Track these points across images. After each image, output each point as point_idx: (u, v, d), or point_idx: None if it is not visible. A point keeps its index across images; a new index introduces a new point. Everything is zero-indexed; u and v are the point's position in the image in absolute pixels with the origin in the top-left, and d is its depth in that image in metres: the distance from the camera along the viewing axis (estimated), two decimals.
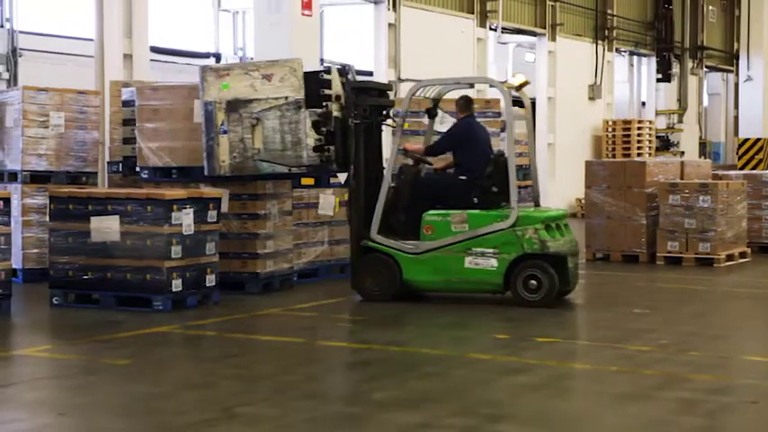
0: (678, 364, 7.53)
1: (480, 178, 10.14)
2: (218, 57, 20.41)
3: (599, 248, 14.19)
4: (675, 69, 27.87)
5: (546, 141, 22.51)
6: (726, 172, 17.34)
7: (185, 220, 9.63)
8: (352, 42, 21.86)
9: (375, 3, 17.94)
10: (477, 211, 10.05)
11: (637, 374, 7.21)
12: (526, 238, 9.81)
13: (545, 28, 22.69)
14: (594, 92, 24.16)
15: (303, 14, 13.62)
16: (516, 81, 10.73)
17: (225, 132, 10.22)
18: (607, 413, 6.21)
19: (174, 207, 9.52)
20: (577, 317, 10.01)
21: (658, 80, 27.61)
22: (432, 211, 10.09)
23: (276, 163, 10.29)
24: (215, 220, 10.00)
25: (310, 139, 10.23)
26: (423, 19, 18.76)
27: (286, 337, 8.66)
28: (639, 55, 27.50)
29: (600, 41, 24.57)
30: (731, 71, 30.26)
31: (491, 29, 20.89)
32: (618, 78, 26.23)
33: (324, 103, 10.23)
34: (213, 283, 9.97)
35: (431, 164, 10.84)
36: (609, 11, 24.90)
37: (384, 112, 10.66)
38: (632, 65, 27.94)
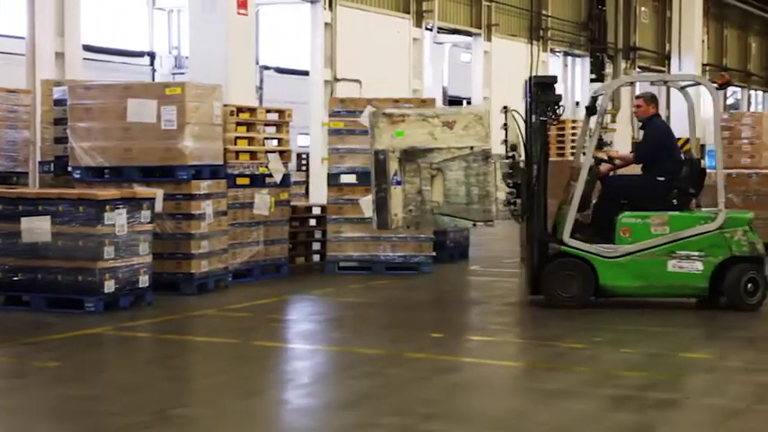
0: (611, 360, 7.61)
1: (678, 180, 9.90)
2: (152, 55, 20.24)
3: None
4: (609, 69, 28.19)
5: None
6: None
7: (118, 220, 9.52)
8: (289, 42, 21.81)
9: (311, 2, 17.90)
10: (678, 213, 9.79)
11: (569, 372, 7.27)
12: (735, 240, 9.65)
13: (480, 28, 22.82)
14: None
15: (238, 14, 13.54)
16: (719, 80, 10.69)
17: (398, 183, 9.58)
18: (539, 410, 6.25)
19: (107, 207, 9.40)
20: (513, 313, 10.07)
21: (592, 80, 27.90)
22: (628, 213, 9.72)
23: (460, 217, 9.73)
24: (148, 220, 9.89)
25: (501, 192, 9.65)
26: (359, 19, 18.76)
27: (221, 337, 8.60)
28: (573, 55, 27.79)
29: (535, 42, 24.78)
30: (663, 71, 30.67)
31: (427, 29, 20.95)
32: None
33: (510, 153, 9.75)
34: (147, 284, 9.86)
35: (617, 166, 10.39)
36: (543, 11, 25.12)
37: (554, 108, 9.89)
38: (566, 65, 28.21)
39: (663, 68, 30.66)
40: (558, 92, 9.96)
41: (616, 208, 9.83)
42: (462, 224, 9.89)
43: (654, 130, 10.21)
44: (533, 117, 9.74)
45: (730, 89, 37.82)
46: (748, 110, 37.45)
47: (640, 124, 10.45)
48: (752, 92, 39.68)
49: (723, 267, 9.65)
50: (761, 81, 39.90)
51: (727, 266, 9.66)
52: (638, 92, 10.72)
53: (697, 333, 8.96)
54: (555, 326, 9.11)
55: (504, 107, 9.89)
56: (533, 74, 24.24)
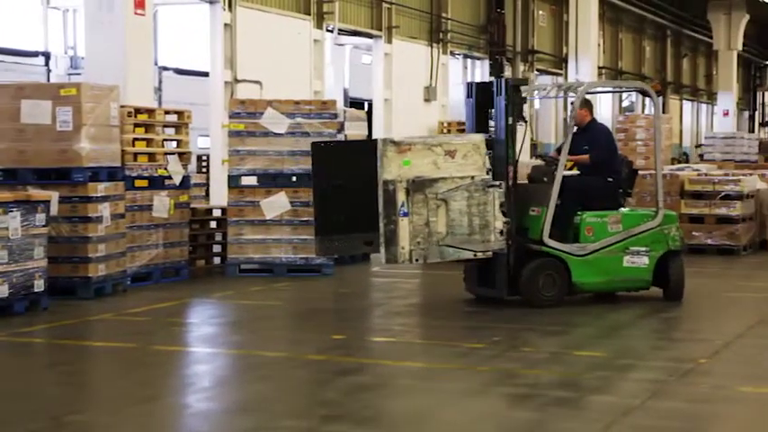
0: (511, 359, 7.70)
1: (621, 180, 10.50)
2: (47, 55, 19.80)
3: None
4: (508, 72, 28.50)
5: None
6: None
7: (11, 223, 9.31)
8: (188, 43, 21.56)
9: (210, 3, 17.71)
10: (629, 212, 10.47)
11: (470, 371, 7.34)
12: (671, 235, 10.38)
13: (381, 30, 22.88)
14: (430, 94, 24.50)
15: (136, 14, 13.34)
16: (655, 87, 10.96)
17: (405, 215, 9.36)
18: (441, 410, 6.29)
19: (0, 210, 9.18)
20: (414, 314, 10.12)
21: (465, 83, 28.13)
22: (590, 213, 10.13)
23: (462, 248, 9.58)
24: (44, 223, 9.69)
25: (498, 221, 9.62)
26: (259, 20, 18.64)
27: (119, 342, 8.46)
28: (473, 58, 28.03)
29: (435, 44, 24.93)
30: (561, 74, 31.18)
31: (328, 30, 20.92)
32: (453, 81, 26.67)
33: (499, 183, 9.70)
34: (42, 289, 9.66)
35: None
36: (443, 14, 25.29)
37: (521, 110, 10.16)
38: (466, 67, 28.44)
39: (560, 71, 31.15)
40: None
41: (575, 208, 10.14)
42: (464, 255, 9.67)
43: (603, 134, 10.69)
44: (509, 119, 9.86)
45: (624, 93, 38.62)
46: (642, 112, 38.25)
47: (575, 129, 10.68)
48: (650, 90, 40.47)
49: (663, 261, 10.32)
50: (654, 84, 40.85)
51: (666, 260, 10.34)
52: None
53: (592, 332, 9.12)
54: (456, 326, 9.18)
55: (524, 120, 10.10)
56: (434, 76, 24.43)
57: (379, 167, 9.34)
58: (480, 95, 10.31)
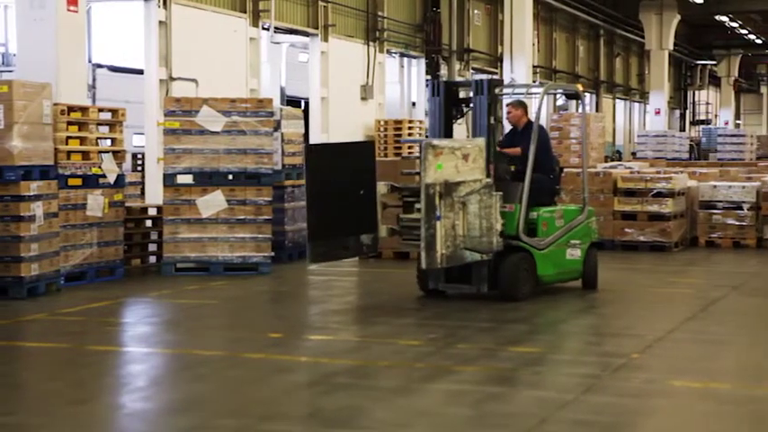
0: (446, 356, 7.76)
1: (557, 177, 10.98)
2: None
3: None
4: (444, 71, 28.64)
5: (320, 141, 22.72)
6: None
7: None
8: (123, 40, 21.36)
9: (145, 0, 17.56)
10: (566, 207, 11.16)
11: (406, 368, 7.38)
12: (593, 229, 11.19)
13: (317, 29, 22.85)
14: (367, 92, 24.52)
15: (69, 10, 13.18)
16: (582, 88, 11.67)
17: (439, 219, 9.34)
18: (377, 407, 6.33)
19: None
20: (351, 312, 10.14)
21: (428, 81, 28.27)
22: (545, 209, 10.54)
23: (475, 250, 9.69)
24: None
25: (498, 223, 9.84)
26: (195, 17, 18.51)
27: (52, 342, 8.37)
28: (409, 56, 28.10)
29: (371, 43, 24.96)
30: (496, 73, 31.37)
31: (264, 28, 20.84)
32: (389, 79, 26.71)
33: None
34: None
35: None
36: (380, 13, 25.33)
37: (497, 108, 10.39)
38: (403, 66, 28.52)
39: (495, 70, 31.36)
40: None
41: (531, 204, 10.37)
42: (476, 257, 9.76)
43: (543, 135, 10.95)
44: (491, 118, 10.15)
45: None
46: (577, 111, 38.66)
47: (511, 128, 10.98)
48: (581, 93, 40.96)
49: (587, 253, 10.96)
50: (588, 83, 41.26)
51: (588, 252, 10.98)
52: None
53: (527, 328, 9.21)
54: (392, 323, 9.22)
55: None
56: (371, 74, 24.49)
57: (422, 171, 9.35)
58: (447, 95, 10.57)
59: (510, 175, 10.41)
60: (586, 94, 40.15)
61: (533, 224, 10.44)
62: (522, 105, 10.98)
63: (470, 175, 9.69)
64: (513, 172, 10.47)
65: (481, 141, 9.96)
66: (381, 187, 10.18)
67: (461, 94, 10.97)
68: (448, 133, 10.63)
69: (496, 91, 10.38)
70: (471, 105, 10.45)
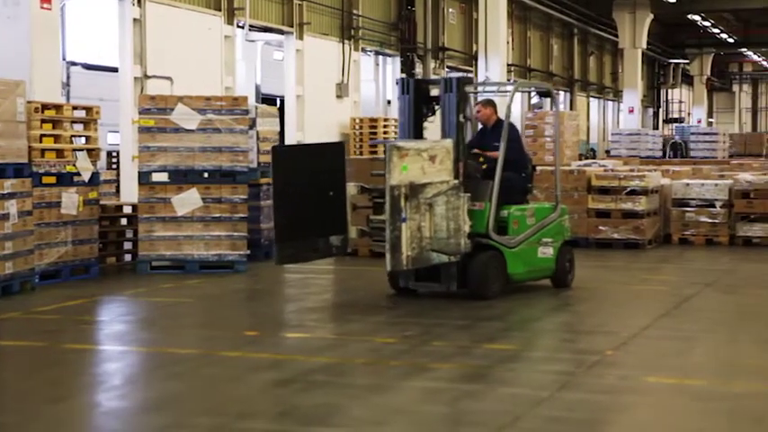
0: (422, 354, 7.79)
1: (529, 175, 10.93)
2: None
3: None
4: (419, 69, 28.67)
5: (295, 139, 22.70)
6: None
7: None
8: (97, 38, 21.27)
9: None
10: (539, 205, 11.09)
11: (382, 366, 7.40)
12: (566, 227, 11.10)
13: (293, 27, 22.82)
14: (342, 90, 24.53)
15: (42, 8, 13.12)
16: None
17: (404, 221, 9.30)
18: (353, 405, 6.35)
19: None
20: (327, 310, 10.15)
21: (397, 80, 28.19)
22: (516, 207, 10.49)
23: (442, 252, 9.65)
24: None
25: (466, 225, 9.78)
26: (169, 15, 18.46)
27: (27, 341, 8.34)
28: (385, 55, 28.13)
29: (346, 41, 24.96)
30: (471, 71, 31.45)
31: (239, 26, 20.80)
32: (364, 77, 26.73)
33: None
34: None
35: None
36: (354, 11, 25.33)
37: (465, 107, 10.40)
38: (378, 64, 28.54)
39: (470, 68, 31.44)
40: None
41: (500, 202, 10.32)
42: (443, 259, 9.73)
43: (514, 133, 10.81)
44: (460, 116, 10.13)
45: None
46: (551, 109, 38.80)
47: (482, 127, 10.92)
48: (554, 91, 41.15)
49: (560, 251, 10.93)
50: (562, 81, 41.42)
51: (560, 250, 10.95)
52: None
53: (502, 325, 9.25)
54: (368, 321, 9.24)
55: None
56: (346, 72, 24.49)
57: (386, 173, 9.31)
58: (416, 92, 10.53)
59: (480, 174, 10.38)
60: (560, 92, 40.34)
61: (504, 222, 10.40)
62: (491, 104, 10.94)
63: (437, 176, 9.64)
64: (484, 170, 10.42)
65: (449, 143, 9.91)
66: (351, 188, 10.14)
67: (432, 92, 10.87)
68: (418, 131, 10.58)
69: (466, 89, 10.35)
70: (440, 103, 10.39)
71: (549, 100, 40.22)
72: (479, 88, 11.78)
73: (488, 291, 10.13)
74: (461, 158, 10.09)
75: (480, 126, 11.01)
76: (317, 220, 9.89)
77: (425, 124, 10.79)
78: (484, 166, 10.51)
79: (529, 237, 10.57)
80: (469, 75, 30.87)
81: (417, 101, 10.57)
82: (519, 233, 10.47)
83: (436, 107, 10.62)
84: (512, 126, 10.87)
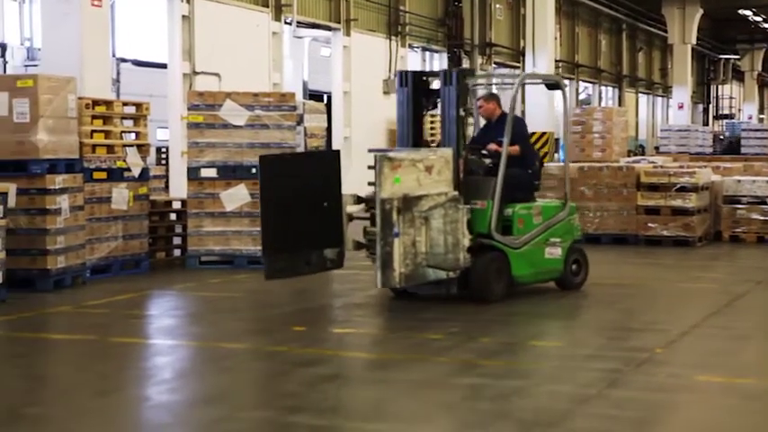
0: (468, 350, 7.77)
1: (536, 172, 10.42)
2: (3, 47, 19.61)
3: None
4: (466, 65, 28.62)
5: (342, 135, 22.75)
6: None
7: None
8: (146, 34, 21.45)
9: None
10: (546, 203, 10.49)
11: (429, 362, 7.40)
12: (576, 226, 10.60)
13: (340, 23, 22.87)
14: (389, 86, 24.52)
15: (93, 5, 13.26)
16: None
17: (397, 235, 8.87)
18: (400, 400, 6.35)
19: None
20: (373, 305, 10.16)
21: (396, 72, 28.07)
22: (521, 205, 10.01)
23: (439, 268, 9.21)
24: (1, 215, 9.63)
25: (466, 239, 9.27)
26: (217, 12, 18.58)
27: (78, 334, 8.43)
28: (432, 51, 28.10)
29: (393, 37, 24.97)
30: (518, 67, 31.33)
31: (286, 23, 20.89)
32: None
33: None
34: (0, 281, 9.59)
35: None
36: (402, 7, 25.32)
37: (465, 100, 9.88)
38: (425, 60, 28.52)
39: (518, 64, 31.31)
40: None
41: (505, 200, 9.88)
42: (440, 275, 9.29)
43: (520, 128, 10.37)
44: (460, 110, 9.67)
45: (582, 84, 38.90)
46: (599, 105, 38.56)
47: (485, 123, 10.57)
48: (602, 87, 40.88)
49: (568, 251, 10.44)
50: (610, 77, 41.13)
51: (571, 250, 10.48)
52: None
53: (549, 322, 9.21)
54: (415, 318, 9.23)
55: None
56: (393, 69, 24.45)
57: (377, 186, 8.93)
58: (416, 85, 10.05)
59: (483, 170, 9.89)
60: (598, 85, 40.04)
61: (509, 222, 9.90)
62: (494, 98, 10.48)
63: (434, 188, 9.19)
64: (487, 167, 9.91)
65: (447, 152, 9.43)
66: (347, 198, 9.67)
67: (432, 85, 10.25)
68: (417, 126, 10.11)
69: (467, 81, 9.88)
70: (440, 96, 9.88)
71: (596, 96, 40.01)
72: (482, 80, 11.29)
73: (491, 294, 9.62)
74: (461, 155, 9.64)
75: (484, 122, 10.59)
76: (310, 232, 9.41)
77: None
78: (487, 162, 9.98)
79: (535, 236, 10.07)
80: (517, 71, 30.76)
81: (416, 94, 10.07)
82: (524, 233, 9.97)
83: (437, 100, 10.08)
84: (518, 119, 10.44)
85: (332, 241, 9.55)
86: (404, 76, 10.23)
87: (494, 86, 11.35)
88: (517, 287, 10.10)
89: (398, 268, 8.94)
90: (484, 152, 10.04)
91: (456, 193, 9.36)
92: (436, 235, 9.13)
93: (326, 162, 9.85)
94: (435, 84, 10.22)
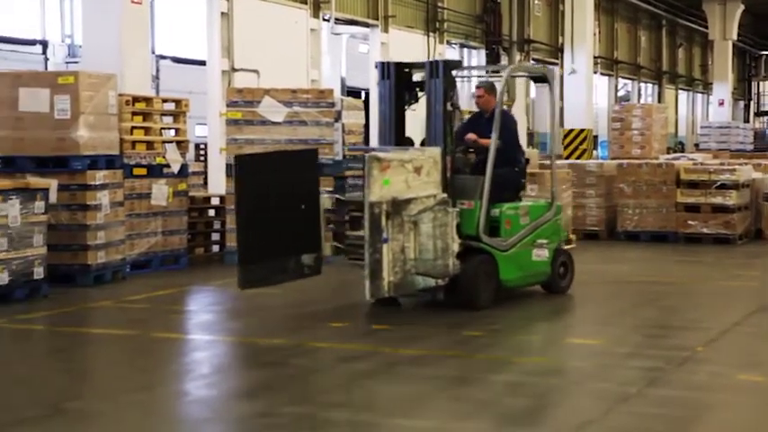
0: (507, 347, 7.75)
1: (522, 170, 9.95)
2: (44, 44, 19.78)
3: None
4: (504, 62, 28.52)
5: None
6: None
7: (11, 211, 9.34)
8: (185, 31, 21.56)
9: None
10: (533, 203, 9.98)
11: (468, 358, 7.38)
12: (562, 227, 10.20)
13: (378, 19, 22.87)
14: None
15: (133, 2, 13.35)
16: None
17: (386, 241, 8.36)
18: (439, 397, 6.34)
19: None
20: (412, 302, 10.15)
21: (377, 63, 27.90)
22: (508, 205, 9.52)
23: (428, 275, 8.72)
24: (43, 211, 9.72)
25: (455, 243, 8.78)
26: (256, 9, 18.64)
27: (118, 329, 8.49)
28: (470, 47, 28.03)
29: (431, 33, 24.94)
30: (557, 64, 31.17)
31: (324, 20, 20.91)
32: None
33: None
34: (42, 276, 9.69)
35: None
36: (440, 4, 25.28)
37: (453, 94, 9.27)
38: (463, 57, 28.45)
39: (556, 61, 31.16)
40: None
41: (492, 200, 9.38)
42: (429, 283, 8.81)
43: (510, 123, 9.91)
44: (447, 104, 9.12)
45: (621, 81, 38.65)
46: (638, 102, 38.29)
47: (475, 113, 10.21)
48: (642, 84, 40.62)
49: (555, 253, 9.99)
50: (650, 74, 40.85)
51: (556, 252, 10.02)
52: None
53: (589, 320, 9.15)
54: (454, 314, 9.19)
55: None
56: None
57: (365, 188, 8.39)
58: (398, 77, 9.55)
59: (470, 169, 9.48)
60: (637, 81, 39.74)
61: (496, 222, 9.40)
62: (493, 90, 9.90)
63: (423, 190, 8.67)
64: (473, 165, 9.49)
65: (436, 152, 8.91)
66: (326, 201, 9.24)
67: (415, 77, 9.67)
68: (399, 121, 9.59)
69: (454, 73, 9.33)
70: (425, 90, 9.33)
71: (635, 91, 39.71)
72: (466, 73, 10.65)
73: (478, 300, 9.08)
74: (449, 152, 9.11)
75: (475, 112, 10.17)
76: (287, 238, 8.81)
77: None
78: (470, 153, 9.54)
79: (522, 238, 9.56)
80: (556, 67, 30.62)
81: (399, 87, 9.50)
82: (512, 234, 9.46)
83: (420, 93, 9.52)
84: (507, 114, 10.01)
85: (309, 246, 9.00)
86: (385, 67, 9.63)
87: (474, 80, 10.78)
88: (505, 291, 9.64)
89: (387, 276, 8.41)
90: (470, 148, 9.59)
91: (445, 195, 8.88)
92: (425, 240, 8.64)
93: (304, 161, 9.27)
94: (416, 76, 9.68)
